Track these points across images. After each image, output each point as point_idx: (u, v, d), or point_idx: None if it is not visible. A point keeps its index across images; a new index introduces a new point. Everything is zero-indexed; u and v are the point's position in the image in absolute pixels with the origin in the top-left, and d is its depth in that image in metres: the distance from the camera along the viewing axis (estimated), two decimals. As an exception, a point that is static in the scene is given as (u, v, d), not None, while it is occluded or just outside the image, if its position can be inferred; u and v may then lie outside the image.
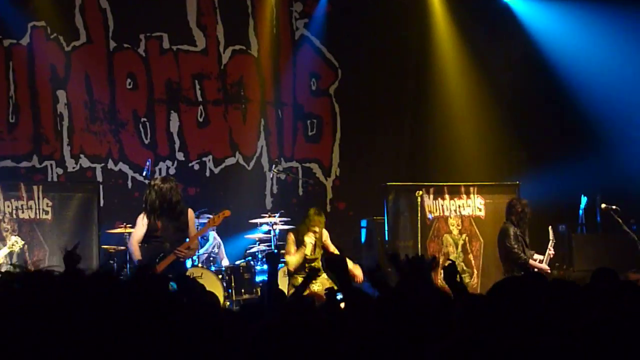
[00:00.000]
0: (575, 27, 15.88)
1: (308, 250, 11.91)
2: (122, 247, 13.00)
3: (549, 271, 12.25)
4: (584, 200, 15.14)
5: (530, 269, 12.15)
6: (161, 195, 11.04)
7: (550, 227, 12.74)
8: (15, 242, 12.07)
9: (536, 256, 12.52)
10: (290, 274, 11.95)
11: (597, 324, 4.18)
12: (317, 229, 12.01)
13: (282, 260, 12.07)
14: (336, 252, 12.01)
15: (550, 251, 12.50)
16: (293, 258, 11.89)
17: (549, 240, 12.61)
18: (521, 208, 12.54)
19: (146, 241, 11.03)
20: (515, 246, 12.28)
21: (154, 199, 11.04)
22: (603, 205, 13.02)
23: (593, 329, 4.06)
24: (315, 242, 11.98)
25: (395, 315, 4.63)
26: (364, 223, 15.36)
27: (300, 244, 11.94)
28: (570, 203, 16.26)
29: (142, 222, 11.05)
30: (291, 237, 12.11)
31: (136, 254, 10.96)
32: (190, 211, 11.30)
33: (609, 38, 15.43)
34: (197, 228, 12.09)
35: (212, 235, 14.32)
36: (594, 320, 4.20)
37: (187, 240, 11.13)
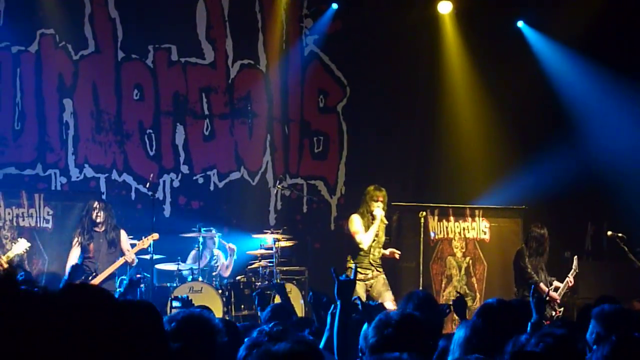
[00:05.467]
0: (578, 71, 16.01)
1: (378, 226, 11.95)
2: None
3: (558, 301, 12.11)
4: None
5: (541, 291, 12.03)
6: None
7: (575, 257, 12.65)
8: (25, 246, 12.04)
9: (556, 283, 12.41)
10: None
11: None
12: (381, 203, 11.99)
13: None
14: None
15: (570, 279, 12.38)
16: (366, 236, 11.89)
17: (570, 268, 12.51)
18: (537, 235, 12.45)
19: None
20: (529, 266, 12.21)
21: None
22: (609, 233, 12.86)
23: None
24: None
25: None
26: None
27: (366, 224, 11.97)
28: (577, 229, 16.17)
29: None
30: (356, 217, 12.06)
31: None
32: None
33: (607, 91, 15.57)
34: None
35: (213, 250, 14.24)
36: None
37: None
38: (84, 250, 12.17)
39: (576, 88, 15.96)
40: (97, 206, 12.33)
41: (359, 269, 11.71)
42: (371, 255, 11.95)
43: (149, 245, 12.56)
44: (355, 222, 11.98)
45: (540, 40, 16.48)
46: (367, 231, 11.91)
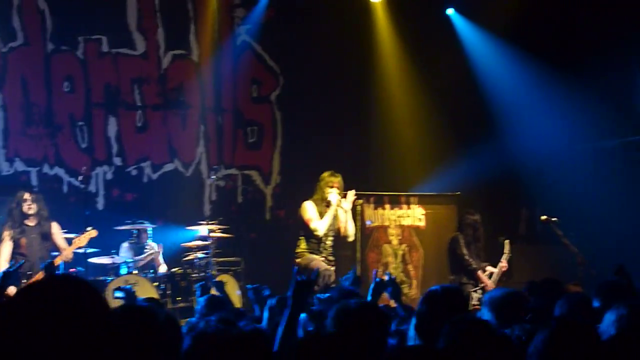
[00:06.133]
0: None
1: (334, 209, 11.68)
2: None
3: (492, 288, 12.17)
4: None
5: (479, 279, 12.14)
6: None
7: (507, 240, 12.71)
8: None
9: (489, 268, 12.49)
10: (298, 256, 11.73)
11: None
12: (337, 189, 11.76)
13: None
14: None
15: (503, 264, 12.47)
16: (321, 223, 11.61)
17: (502, 253, 12.59)
18: (471, 222, 12.55)
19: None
20: (466, 253, 12.28)
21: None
22: (543, 217, 12.95)
23: None
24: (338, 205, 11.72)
25: None
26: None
27: (320, 211, 11.72)
28: (511, 215, 16.30)
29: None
30: (309, 204, 11.80)
31: None
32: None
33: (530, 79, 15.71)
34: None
35: (149, 243, 14.10)
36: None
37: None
38: (16, 246, 11.95)
39: (506, 77, 16.06)
40: (28, 197, 12.11)
41: (317, 255, 11.66)
42: (322, 244, 11.79)
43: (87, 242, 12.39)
44: (309, 209, 11.76)
45: (470, 29, 16.56)
46: (322, 218, 11.73)
